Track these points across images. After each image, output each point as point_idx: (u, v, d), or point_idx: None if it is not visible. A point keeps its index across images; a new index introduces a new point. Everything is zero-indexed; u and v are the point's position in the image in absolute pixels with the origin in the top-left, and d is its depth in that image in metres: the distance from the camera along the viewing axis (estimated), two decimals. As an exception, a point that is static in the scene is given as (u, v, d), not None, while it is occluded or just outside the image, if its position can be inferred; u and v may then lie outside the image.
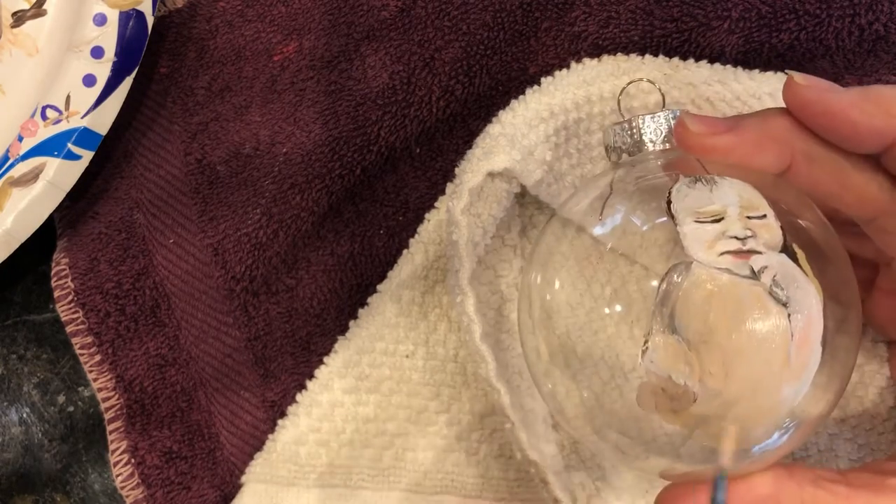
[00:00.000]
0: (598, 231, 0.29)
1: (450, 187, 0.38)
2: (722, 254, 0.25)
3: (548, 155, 0.34)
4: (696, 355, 0.25)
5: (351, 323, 0.38)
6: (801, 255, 0.26)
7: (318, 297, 0.39)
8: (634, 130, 0.30)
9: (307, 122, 0.39)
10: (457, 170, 0.37)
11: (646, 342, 0.26)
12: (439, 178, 0.38)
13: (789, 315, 0.25)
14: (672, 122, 0.30)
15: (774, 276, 0.25)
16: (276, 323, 0.39)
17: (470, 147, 0.36)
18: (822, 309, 0.25)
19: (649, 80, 0.33)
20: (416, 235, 0.37)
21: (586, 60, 0.35)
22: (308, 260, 0.39)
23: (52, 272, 0.40)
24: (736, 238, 0.25)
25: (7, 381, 0.42)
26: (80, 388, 0.41)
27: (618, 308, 0.31)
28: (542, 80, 0.35)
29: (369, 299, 0.38)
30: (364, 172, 0.39)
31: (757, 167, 0.28)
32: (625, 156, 0.31)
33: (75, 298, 0.40)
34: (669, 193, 0.26)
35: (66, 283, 0.40)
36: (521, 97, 0.34)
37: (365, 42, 0.39)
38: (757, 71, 0.35)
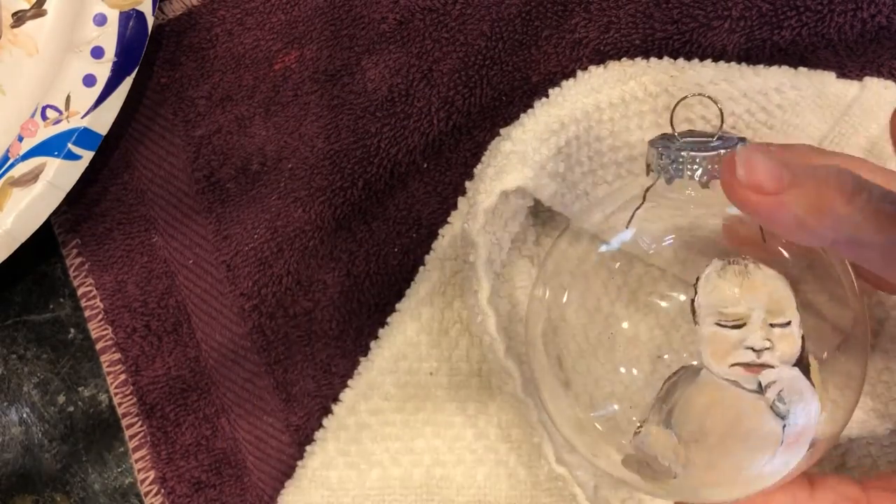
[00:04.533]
0: (614, 242, 0.29)
1: (462, 202, 0.38)
2: (733, 365, 0.25)
3: (560, 166, 0.34)
4: (685, 448, 0.26)
5: (372, 344, 0.38)
6: (814, 366, 0.25)
7: (337, 319, 0.39)
8: (679, 163, 0.27)
9: (311, 136, 0.39)
10: (468, 184, 0.37)
11: (640, 426, 0.27)
12: (450, 192, 0.38)
13: (784, 426, 0.25)
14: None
15: (780, 392, 0.25)
16: (296, 346, 0.39)
17: (478, 159, 0.36)
18: (819, 418, 0.26)
19: (710, 98, 0.30)
20: (432, 252, 0.37)
21: (592, 68, 0.35)
22: (324, 282, 0.39)
23: (79, 292, 0.41)
24: (752, 349, 0.25)
25: (7, 381, 0.42)
26: (80, 388, 0.41)
27: (625, 326, 0.31)
28: (550, 91, 0.35)
29: (389, 319, 0.38)
30: (367, 186, 0.39)
31: (790, 239, 0.26)
32: (665, 177, 0.28)
33: (105, 317, 0.41)
34: (697, 281, 0.25)
35: (95, 303, 0.41)
36: (529, 111, 0.34)
37: (366, 56, 0.39)
38: (762, 66, 0.35)
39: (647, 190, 0.28)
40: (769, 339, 0.25)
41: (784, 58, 0.36)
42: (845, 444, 0.35)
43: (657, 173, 0.28)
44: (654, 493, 0.29)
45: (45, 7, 0.39)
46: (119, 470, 0.41)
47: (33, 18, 0.39)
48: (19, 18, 0.40)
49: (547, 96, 0.34)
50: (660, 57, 0.35)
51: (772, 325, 0.25)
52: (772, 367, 0.25)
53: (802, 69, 0.34)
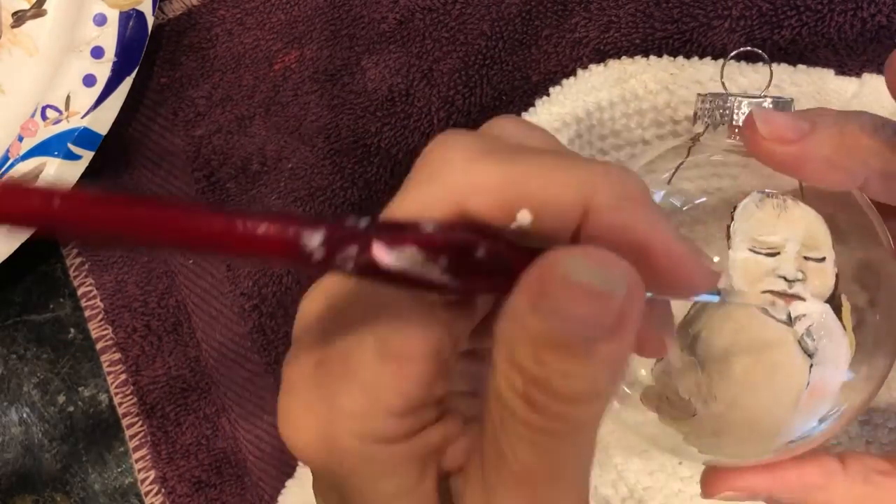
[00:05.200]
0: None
1: None
2: (765, 291, 0.24)
3: None
4: (708, 379, 0.25)
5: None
6: (846, 307, 0.25)
7: (338, 319, 0.39)
8: (726, 110, 0.28)
9: (311, 136, 0.39)
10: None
11: None
12: (450, 192, 0.38)
13: (812, 366, 0.24)
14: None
15: (809, 327, 0.24)
16: (297, 346, 0.39)
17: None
18: (849, 362, 0.25)
19: (757, 51, 0.31)
20: None
21: (592, 66, 0.35)
22: (325, 281, 0.39)
23: (79, 292, 0.41)
24: (784, 279, 0.24)
25: (7, 381, 0.42)
26: (80, 388, 0.41)
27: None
28: (551, 89, 0.35)
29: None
30: (368, 186, 0.39)
31: (824, 184, 0.26)
32: (710, 129, 0.29)
33: (105, 317, 0.41)
34: (734, 209, 0.25)
35: (95, 303, 0.41)
36: (531, 109, 0.34)
37: (366, 55, 0.39)
38: (760, 64, 0.35)
39: (695, 139, 0.29)
40: (802, 271, 0.24)
41: (784, 57, 0.36)
42: (845, 443, 0.35)
43: (704, 125, 0.28)
44: (671, 448, 0.29)
45: (45, 7, 0.39)
46: (119, 470, 0.41)
47: (33, 18, 0.39)
48: (19, 18, 0.40)
49: (548, 95, 0.34)
50: (660, 56, 0.35)
51: (806, 259, 0.25)
52: (802, 299, 0.24)
53: (801, 66, 0.35)
